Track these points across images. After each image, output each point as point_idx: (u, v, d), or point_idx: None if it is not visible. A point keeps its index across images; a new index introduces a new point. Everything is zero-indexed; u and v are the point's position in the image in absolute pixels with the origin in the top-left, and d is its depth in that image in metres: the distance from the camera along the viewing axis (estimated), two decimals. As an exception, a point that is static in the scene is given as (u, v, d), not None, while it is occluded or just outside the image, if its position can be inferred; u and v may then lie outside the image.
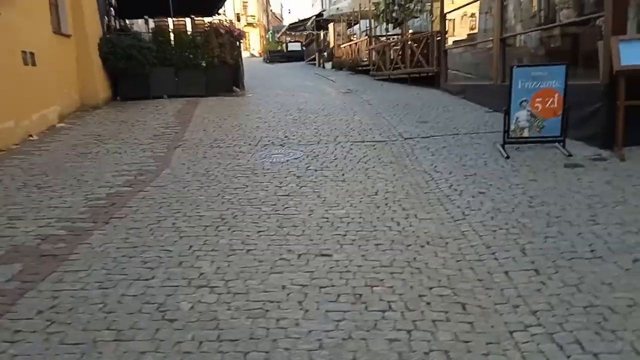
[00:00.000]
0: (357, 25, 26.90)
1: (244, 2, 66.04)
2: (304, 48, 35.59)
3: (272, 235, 3.88)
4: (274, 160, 6.27)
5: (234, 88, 13.30)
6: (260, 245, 3.70)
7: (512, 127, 5.93)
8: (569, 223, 3.82)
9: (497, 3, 8.54)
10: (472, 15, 10.96)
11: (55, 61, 9.00)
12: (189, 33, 12.72)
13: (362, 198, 4.73)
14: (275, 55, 38.41)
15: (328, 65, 23.57)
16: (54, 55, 8.98)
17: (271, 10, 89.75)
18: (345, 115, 9.32)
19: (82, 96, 10.63)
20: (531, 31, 8.47)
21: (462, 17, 11.55)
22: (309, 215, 4.31)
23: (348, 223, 4.09)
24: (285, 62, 33.84)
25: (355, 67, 19.33)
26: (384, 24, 17.80)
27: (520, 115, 5.88)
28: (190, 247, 3.69)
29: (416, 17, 15.71)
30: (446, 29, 11.64)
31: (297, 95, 12.60)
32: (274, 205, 4.59)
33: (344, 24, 24.01)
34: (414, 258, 3.41)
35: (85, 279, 3.21)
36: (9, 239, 3.89)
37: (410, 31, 17.20)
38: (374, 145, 6.86)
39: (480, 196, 4.63)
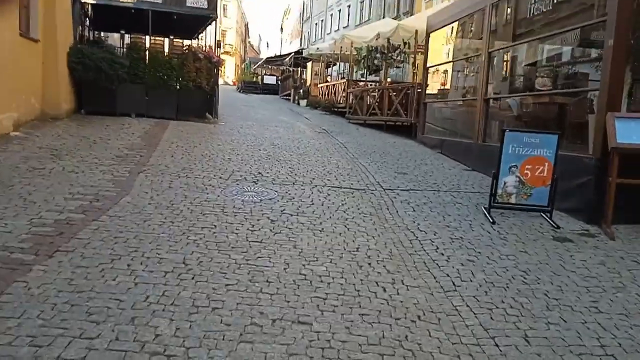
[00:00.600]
0: (335, 67, 27.15)
1: (222, 30, 66.27)
2: (279, 82, 35.58)
3: (242, 291, 3.39)
4: (246, 198, 5.81)
5: (207, 115, 12.84)
6: (229, 302, 3.21)
7: (500, 191, 5.70)
8: (569, 308, 3.51)
9: (484, 63, 8.53)
10: (454, 71, 11.02)
11: (17, 65, 8.35)
12: (166, 53, 12.28)
13: (342, 253, 4.31)
14: (249, 86, 38.26)
15: (303, 102, 23.46)
16: (17, 59, 8.33)
17: (249, 41, 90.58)
18: (321, 157, 8.99)
19: (44, 105, 9.93)
20: (518, 95, 8.47)
21: (443, 71, 11.60)
22: (284, 269, 3.85)
23: (328, 283, 3.65)
24: (259, 94, 33.66)
25: (330, 108, 19.24)
26: (364, 70, 17.92)
27: (509, 181, 5.68)
28: (147, 297, 3.15)
29: (398, 67, 15.83)
30: (427, 82, 11.66)
31: (271, 130, 12.24)
32: (245, 252, 4.11)
33: (323, 64, 24.12)
34: (406, 336, 3.00)
35: (14, 331, 2.64)
36: None
37: (389, 79, 17.35)
38: (352, 193, 6.51)
39: (470, 265, 4.30)
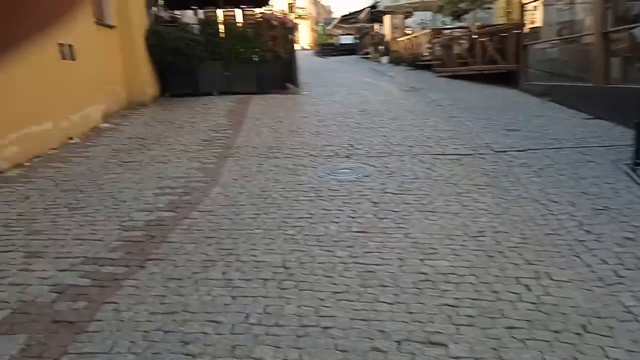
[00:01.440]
0: (414, 18, 25.50)
1: (294, -6, 65.31)
2: (356, 41, 34.31)
3: (354, 301, 2.85)
4: (341, 178, 5.24)
5: (288, 85, 12.37)
6: (340, 319, 2.68)
7: (648, 145, 4.66)
8: None
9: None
10: (559, 4, 9.54)
11: (98, 54, 8.29)
12: (238, 25, 11.85)
13: (464, 241, 3.63)
14: (326, 48, 37.31)
15: (384, 59, 22.29)
16: (97, 48, 8.27)
17: (320, 1, 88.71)
18: (416, 119, 8.18)
19: (129, 93, 9.97)
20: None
21: (545, 7, 10.11)
22: (400, 267, 3.25)
23: (457, 284, 3.01)
24: (337, 56, 32.72)
25: (414, 62, 18.01)
26: (448, 16, 16.44)
27: (660, 131, 4.61)
28: (247, 316, 2.71)
29: (489, 9, 14.27)
30: (525, 22, 10.25)
31: (356, 94, 11.52)
32: (350, 247, 3.56)
33: (401, 16, 22.65)
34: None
35: (103, 369, 2.30)
36: (20, 289, 3.04)
37: (476, 24, 15.76)
38: (459, 160, 5.72)
39: (630, 244, 3.45)
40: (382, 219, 4.09)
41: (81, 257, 3.43)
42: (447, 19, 19.83)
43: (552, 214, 4.07)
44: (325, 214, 4.24)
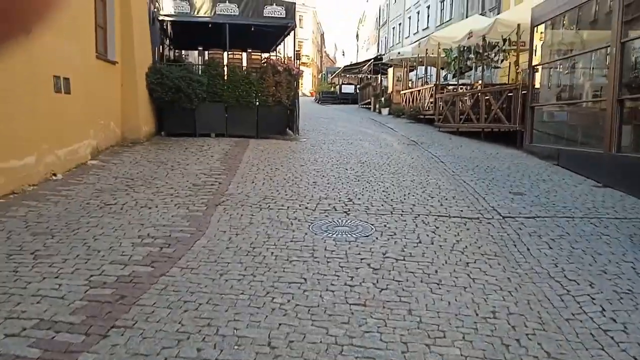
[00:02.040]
0: (418, 72, 25.82)
1: (299, 41, 66.72)
2: (357, 91, 34.66)
3: (350, 397, 2.41)
4: (339, 236, 4.84)
5: (288, 130, 12.16)
6: (334, 421, 2.23)
7: (674, 223, 4.32)
8: None
9: (615, 57, 7.03)
10: (569, 69, 9.46)
11: (95, 89, 8.05)
12: (244, 68, 11.73)
13: (475, 322, 3.21)
14: (327, 96, 37.73)
15: (385, 111, 22.34)
16: (96, 83, 8.03)
17: (325, 51, 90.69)
18: (417, 175, 7.87)
19: (124, 129, 9.68)
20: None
21: (554, 70, 10.05)
22: (403, 353, 2.82)
23: (470, 382, 2.57)
24: (338, 104, 32.99)
25: (416, 116, 17.98)
26: (454, 72, 16.50)
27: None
28: (220, 413, 2.26)
29: (497, 68, 14.31)
30: (533, 83, 10.16)
31: (356, 144, 11.29)
32: (347, 324, 3.13)
33: (405, 69, 22.86)
34: None
35: None
36: (-45, 356, 2.58)
37: (479, 82, 15.80)
38: (464, 224, 5.35)
39: (663, 341, 3.04)
40: (383, 289, 3.67)
41: (36, 319, 2.98)
42: (450, 75, 19.98)
43: (570, 295, 3.67)
44: (319, 279, 3.82)
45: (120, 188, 6.36)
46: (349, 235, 4.87)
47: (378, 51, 45.06)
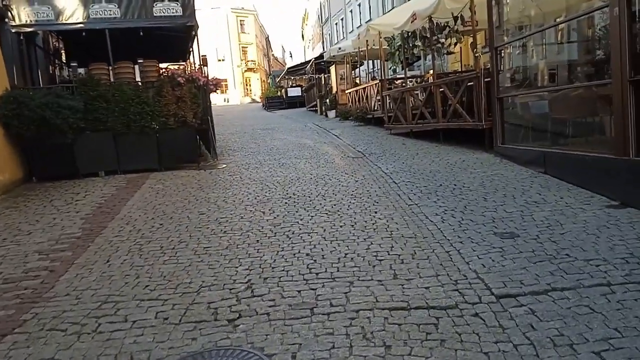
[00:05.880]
0: (363, 67, 23.72)
1: (242, 46, 63.95)
2: (304, 93, 32.40)
3: None
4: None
5: (201, 156, 9.69)
6: None
7: None
8: None
9: (620, 19, 4.88)
10: (547, 45, 7.34)
11: None
12: (132, 85, 9.17)
13: None
14: (274, 101, 35.37)
15: (331, 113, 20.10)
16: None
17: (273, 54, 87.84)
18: (361, 213, 5.56)
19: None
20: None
21: (526, 47, 7.93)
22: None
23: None
24: (284, 109, 30.64)
25: (364, 117, 15.79)
26: (399, 64, 14.37)
27: None
28: None
29: (451, 54, 12.21)
30: (499, 68, 8.01)
31: (288, 166, 8.93)
32: None
33: (348, 65, 20.66)
34: None
35: None
36: None
37: (430, 71, 13.70)
38: (435, 325, 3.03)
39: None
40: None
41: None
42: (398, 67, 17.90)
43: None
44: None
45: None
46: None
47: (323, 49, 42.87)
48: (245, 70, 64.03)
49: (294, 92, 34.36)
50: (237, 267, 4.19)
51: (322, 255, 4.34)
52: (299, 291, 3.64)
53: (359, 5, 35.45)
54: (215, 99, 50.76)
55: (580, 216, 4.85)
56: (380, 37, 13.54)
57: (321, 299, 3.48)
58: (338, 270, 3.98)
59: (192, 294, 3.72)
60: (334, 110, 19.83)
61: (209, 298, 3.62)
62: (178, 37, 10.60)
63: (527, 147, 7.16)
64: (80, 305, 3.61)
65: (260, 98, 47.77)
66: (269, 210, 5.96)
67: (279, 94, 38.96)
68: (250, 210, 5.98)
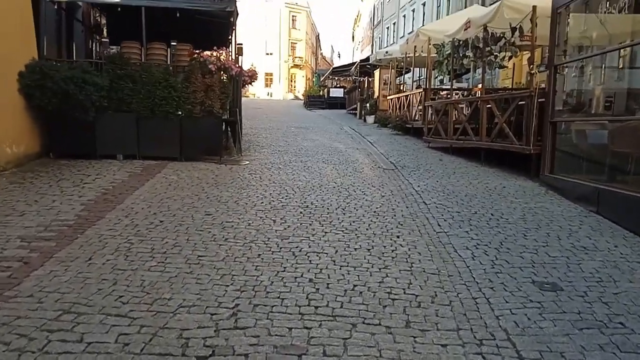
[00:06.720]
0: (408, 74, 22.93)
1: (292, 42, 63.84)
2: (346, 95, 31.78)
3: None
4: None
5: (227, 150, 9.24)
6: None
7: None
8: None
9: None
10: (611, 67, 6.51)
11: None
12: (162, 67, 8.78)
13: None
14: (315, 100, 34.85)
15: (370, 118, 19.41)
16: None
17: (321, 53, 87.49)
18: (381, 236, 4.93)
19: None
20: None
21: (584, 68, 7.10)
22: None
23: None
24: (324, 109, 30.06)
25: (403, 125, 15.06)
26: (446, 74, 13.58)
27: None
28: None
29: (503, 67, 11.37)
30: (555, 88, 7.21)
31: (313, 170, 8.35)
32: None
33: (393, 71, 19.92)
34: None
35: None
36: None
37: (479, 86, 12.86)
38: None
39: None
40: None
41: None
42: (445, 78, 17.08)
43: None
44: None
45: None
46: None
47: (372, 52, 42.15)
48: (292, 66, 63.93)
49: (336, 92, 33.76)
50: (227, 286, 3.64)
51: (327, 284, 3.74)
52: (290, 328, 3.05)
53: (413, 10, 34.53)
54: (259, 91, 50.84)
55: (639, 273, 4.08)
56: (430, 44, 12.79)
57: (314, 344, 2.89)
58: (342, 307, 3.38)
59: (167, 314, 3.18)
60: (374, 116, 19.13)
61: (184, 323, 3.07)
62: (217, 24, 10.18)
63: (579, 181, 6.34)
64: (38, 312, 3.13)
65: (303, 95, 47.43)
66: (281, 219, 5.40)
67: (321, 93, 38.45)
68: (260, 217, 5.44)
